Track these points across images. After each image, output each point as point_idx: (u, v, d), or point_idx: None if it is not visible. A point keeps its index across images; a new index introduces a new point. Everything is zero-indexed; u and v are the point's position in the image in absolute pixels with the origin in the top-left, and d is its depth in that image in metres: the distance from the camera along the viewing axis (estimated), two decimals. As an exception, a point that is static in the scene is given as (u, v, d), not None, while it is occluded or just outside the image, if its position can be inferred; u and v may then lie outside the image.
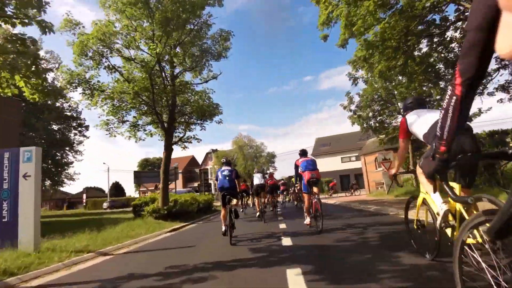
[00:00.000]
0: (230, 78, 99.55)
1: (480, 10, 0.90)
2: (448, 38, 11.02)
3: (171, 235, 7.82)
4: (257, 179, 10.67)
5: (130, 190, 59.70)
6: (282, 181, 18.42)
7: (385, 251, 3.80)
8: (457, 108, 1.06)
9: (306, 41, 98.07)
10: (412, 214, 3.36)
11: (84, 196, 46.84)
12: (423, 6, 8.86)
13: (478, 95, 11.88)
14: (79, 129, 29.44)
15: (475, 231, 1.55)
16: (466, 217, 2.07)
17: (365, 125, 16.63)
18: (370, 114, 16.40)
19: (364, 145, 28.54)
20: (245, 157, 42.65)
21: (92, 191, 57.75)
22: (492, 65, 11.76)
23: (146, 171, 36.35)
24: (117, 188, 57.26)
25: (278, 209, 12.89)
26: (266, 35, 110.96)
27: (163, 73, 11.55)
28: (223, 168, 6.28)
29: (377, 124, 16.79)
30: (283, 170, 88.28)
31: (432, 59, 11.36)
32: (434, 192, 2.51)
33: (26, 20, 4.41)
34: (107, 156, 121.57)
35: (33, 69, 4.34)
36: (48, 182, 30.12)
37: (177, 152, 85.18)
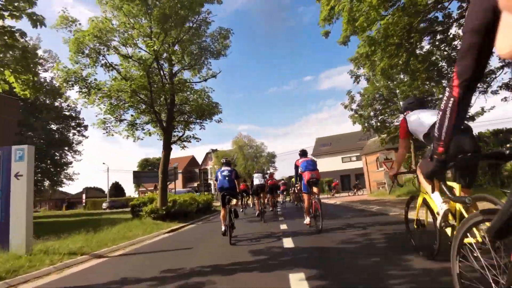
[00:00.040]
0: (230, 78, 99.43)
1: (477, 12, 0.91)
2: (451, 36, 10.84)
3: (169, 236, 7.63)
4: (257, 179, 10.60)
5: (130, 190, 59.51)
6: (283, 181, 18.32)
7: (387, 252, 3.72)
8: (454, 109, 1.07)
9: (306, 41, 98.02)
10: (412, 214, 3.34)
11: (84, 196, 46.66)
12: (426, 3, 8.69)
13: (481, 93, 11.71)
14: (78, 128, 29.26)
15: (475, 231, 1.55)
16: (466, 216, 2.04)
17: (366, 125, 16.44)
18: (372, 113, 16.20)
19: (365, 145, 28.35)
20: (245, 157, 42.46)
21: (91, 191, 57.53)
22: (496, 63, 11.58)
23: (145, 171, 36.17)
24: (117, 188, 57.04)
25: (278, 209, 12.76)
26: (266, 35, 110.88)
27: (162, 71, 11.36)
28: (223, 168, 6.26)
29: (378, 124, 16.60)
30: (283, 170, 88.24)
31: (434, 57, 11.18)
32: (432, 192, 2.62)
33: (16, 13, 4.22)
34: (107, 156, 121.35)
35: (23, 63, 4.15)
36: (47, 183, 29.96)
37: (177, 152, 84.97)
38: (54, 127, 28.34)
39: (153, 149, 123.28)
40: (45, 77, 27.37)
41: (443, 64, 11.47)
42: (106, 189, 49.58)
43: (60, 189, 34.96)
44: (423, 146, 16.41)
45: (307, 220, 6.25)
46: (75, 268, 4.39)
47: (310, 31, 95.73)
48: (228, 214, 5.53)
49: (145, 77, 9.98)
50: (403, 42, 9.13)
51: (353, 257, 3.62)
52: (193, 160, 56.74)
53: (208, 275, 3.36)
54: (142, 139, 12.25)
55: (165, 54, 10.96)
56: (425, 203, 2.90)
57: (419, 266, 2.88)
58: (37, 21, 4.41)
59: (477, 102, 13.20)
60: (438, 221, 2.41)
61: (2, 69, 4.26)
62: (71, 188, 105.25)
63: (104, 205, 40.19)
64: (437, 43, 10.91)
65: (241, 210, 13.26)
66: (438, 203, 2.45)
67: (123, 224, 9.39)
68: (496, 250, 1.32)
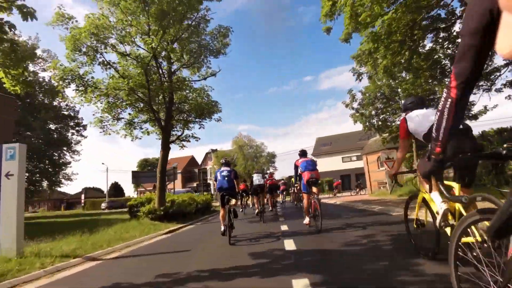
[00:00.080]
0: (230, 78, 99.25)
1: (474, 15, 0.92)
2: (455, 33, 10.64)
3: (166, 238, 7.43)
4: (257, 179, 10.50)
5: (130, 191, 59.31)
6: (283, 181, 18.19)
7: (393, 253, 3.62)
8: (452, 110, 1.08)
9: (306, 41, 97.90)
10: (412, 214, 3.34)
11: (83, 196, 46.47)
12: (429, -2, 8.50)
13: (485, 91, 11.52)
14: (77, 128, 29.04)
15: (473, 229, 1.58)
16: None
17: (367, 124, 16.23)
18: (373, 112, 15.98)
19: (366, 144, 28.15)
20: (245, 157, 42.24)
21: (91, 191, 57.31)
22: (501, 61, 11.39)
23: (144, 171, 35.92)
24: (116, 189, 56.84)
25: (278, 209, 12.62)
26: (266, 35, 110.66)
27: (160, 70, 11.17)
28: (222, 168, 6.26)
29: (379, 123, 16.39)
30: (283, 170, 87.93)
31: (437, 56, 11.00)
32: (430, 191, 2.68)
33: (5, 5, 4.03)
34: (106, 157, 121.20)
35: (11, 56, 3.96)
36: (45, 183, 29.72)
37: (177, 152, 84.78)
38: (52, 126, 28.12)
39: (152, 149, 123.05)
40: (44, 77, 27.15)
41: (447, 62, 11.27)
42: (105, 189, 49.43)
43: (59, 189, 34.73)
44: (425, 146, 16.23)
45: (306, 220, 6.24)
46: (67, 272, 4.20)
47: (310, 31, 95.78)
48: (227, 214, 5.50)
49: (143, 75, 9.79)
50: (406, 39, 8.95)
51: (355, 259, 3.51)
52: (192, 160, 56.56)
53: (206, 280, 3.17)
54: (140, 138, 12.07)
55: (163, 52, 10.77)
56: (425, 203, 2.90)
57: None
58: (27, 13, 4.23)
59: (481, 100, 12.98)
60: (437, 221, 2.42)
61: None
62: (70, 188, 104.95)
63: (103, 205, 40.00)
64: (440, 40, 10.72)
65: (241, 210, 13.19)
66: (437, 202, 2.47)
67: (120, 225, 9.20)
68: (495, 249, 1.32)
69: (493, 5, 0.83)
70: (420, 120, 2.75)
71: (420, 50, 10.22)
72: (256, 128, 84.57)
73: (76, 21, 9.44)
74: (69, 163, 29.32)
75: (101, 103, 10.26)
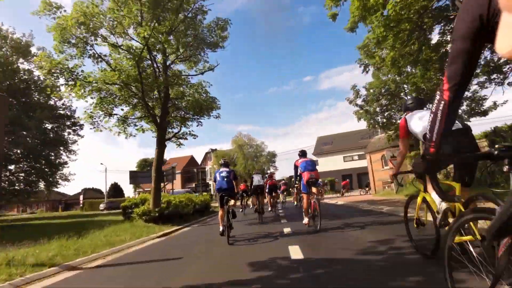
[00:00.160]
0: (230, 78, 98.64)
1: (465, 20, 0.95)
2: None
3: (159, 242, 6.86)
4: (256, 180, 10.23)
5: (130, 191, 58.74)
6: (283, 181, 17.76)
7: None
8: (445, 112, 1.10)
9: (306, 41, 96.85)
10: (411, 213, 3.38)
11: (81, 197, 45.94)
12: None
13: (498, 85, 10.93)
14: (73, 128, 28.47)
15: (471, 228, 1.62)
16: None
17: (372, 121, 15.62)
18: (378, 109, 15.37)
19: (370, 143, 27.51)
20: (245, 156, 41.65)
21: (90, 192, 56.74)
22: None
23: (142, 171, 35.29)
24: (115, 189, 56.25)
25: (279, 209, 12.19)
26: (266, 35, 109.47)
27: (155, 63, 10.59)
28: (221, 169, 6.30)
29: (384, 120, 15.79)
30: (283, 170, 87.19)
31: (444, 50, 10.42)
32: (424, 191, 2.83)
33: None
34: (107, 157, 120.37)
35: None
36: (42, 183, 29.15)
37: (176, 152, 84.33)
38: (48, 126, 27.55)
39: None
40: (39, 75, 26.59)
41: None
42: (104, 190, 48.87)
43: (58, 190, 34.16)
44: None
45: (305, 220, 6.29)
46: (37, 285, 3.63)
47: (310, 31, 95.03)
48: (226, 214, 5.53)
49: (135, 67, 9.20)
50: (416, 27, 8.39)
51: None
52: (192, 160, 55.96)
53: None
54: (134, 136, 11.52)
55: (158, 46, 10.20)
56: (425, 203, 2.91)
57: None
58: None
59: (491, 96, 12.40)
60: (437, 220, 2.46)
61: None
62: (69, 189, 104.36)
63: (102, 206, 39.51)
64: (447, 32, 10.13)
65: (241, 210, 12.90)
66: (437, 202, 2.50)
67: (112, 227, 8.61)
68: (489, 247, 1.30)
69: (483, 11, 0.88)
70: (420, 120, 2.78)
71: (430, 41, 9.66)
72: (256, 128, 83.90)
73: (65, 11, 8.88)
74: (66, 163, 28.77)
75: (92, 98, 9.68)
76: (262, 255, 4.10)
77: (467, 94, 12.27)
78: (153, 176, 10.40)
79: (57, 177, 29.20)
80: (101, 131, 10.30)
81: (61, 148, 28.14)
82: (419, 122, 2.79)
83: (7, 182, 24.00)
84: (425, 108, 3.12)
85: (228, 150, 44.84)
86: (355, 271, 3.01)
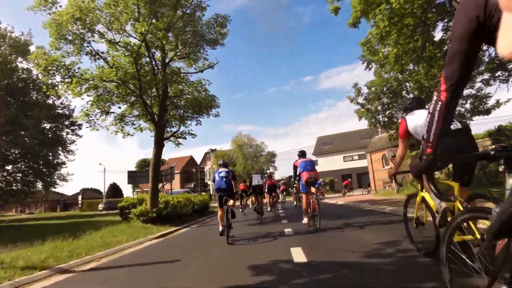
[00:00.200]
0: (230, 78, 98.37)
1: (461, 21, 0.97)
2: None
3: (156, 243, 6.65)
4: (256, 180, 10.14)
5: (129, 192, 58.49)
6: (283, 181, 17.63)
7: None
8: (442, 112, 1.11)
9: (306, 41, 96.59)
10: (412, 213, 3.39)
11: (80, 197, 45.70)
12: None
13: (503, 82, 10.74)
14: (72, 127, 28.22)
15: (473, 228, 1.65)
16: None
17: (373, 120, 15.42)
18: (379, 107, 15.18)
19: (370, 142, 27.31)
20: (244, 156, 41.45)
21: (88, 192, 56.44)
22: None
23: (141, 171, 35.08)
24: (114, 189, 56.04)
25: (279, 209, 12.04)
26: (266, 35, 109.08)
27: (153, 61, 10.38)
28: (220, 169, 6.32)
29: (386, 119, 15.60)
30: (283, 170, 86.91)
31: (446, 48, 10.26)
32: (421, 190, 2.90)
33: None
34: (106, 157, 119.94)
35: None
36: (40, 184, 28.89)
37: (176, 152, 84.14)
38: (47, 125, 27.30)
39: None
40: (37, 74, 26.35)
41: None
42: (103, 190, 48.59)
43: (57, 190, 33.91)
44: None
45: (305, 220, 6.29)
46: (25, 289, 3.43)
47: (310, 31, 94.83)
48: (225, 214, 5.55)
49: (132, 64, 8.99)
50: (420, 23, 8.20)
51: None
52: (191, 160, 55.73)
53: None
54: (132, 135, 11.30)
55: (156, 42, 10.00)
56: (424, 202, 2.91)
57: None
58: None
59: (496, 93, 12.17)
60: (437, 220, 2.48)
61: None
62: (68, 189, 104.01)
63: (100, 206, 39.31)
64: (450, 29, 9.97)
65: (240, 210, 12.77)
66: (437, 201, 2.52)
67: (109, 228, 8.41)
68: (489, 247, 1.26)
69: (480, 12, 0.90)
70: (420, 120, 2.77)
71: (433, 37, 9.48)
72: (256, 128, 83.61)
73: (60, 6, 8.68)
74: (64, 163, 28.53)
75: (88, 96, 9.48)
76: (263, 256, 3.91)
77: (471, 92, 12.09)
78: (151, 176, 10.19)
79: (55, 177, 28.93)
80: (97, 129, 10.09)
81: (59, 148, 27.89)
82: (418, 122, 2.78)
83: (4, 182, 23.75)
84: (423, 109, 3.07)
85: (228, 150, 44.63)
86: (362, 275, 2.81)
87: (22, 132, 25.17)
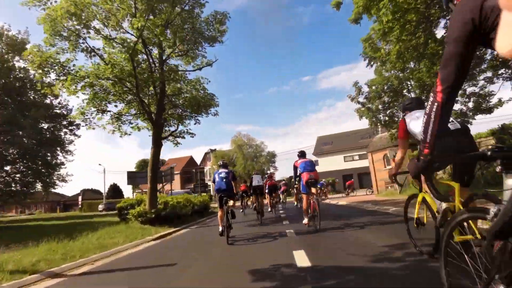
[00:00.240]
0: (230, 78, 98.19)
1: (457, 24, 0.99)
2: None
3: (154, 245, 6.47)
4: (256, 181, 10.04)
5: (129, 192, 58.29)
6: (284, 182, 17.48)
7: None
8: (438, 113, 1.12)
9: (306, 41, 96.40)
10: (411, 212, 3.36)
11: (80, 198, 45.55)
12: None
13: (506, 80, 10.56)
14: (70, 127, 28.01)
15: (474, 228, 1.64)
16: None
17: (374, 119, 15.21)
18: (380, 106, 14.97)
19: (371, 142, 27.09)
20: (244, 156, 41.27)
21: (88, 193, 56.26)
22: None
23: (140, 172, 34.85)
24: (115, 190, 55.84)
25: (279, 210, 11.87)
26: (266, 35, 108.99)
27: (150, 58, 10.19)
28: (220, 170, 6.33)
29: (386, 118, 15.39)
30: (283, 170, 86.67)
31: None
32: (420, 190, 2.95)
33: None
34: (106, 158, 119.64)
35: None
36: (39, 185, 28.69)
37: (176, 153, 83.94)
38: (45, 125, 27.09)
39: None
40: (34, 73, 26.13)
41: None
42: (103, 190, 48.42)
43: (57, 191, 33.70)
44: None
45: (305, 220, 6.29)
46: (12, 296, 3.24)
47: (310, 31, 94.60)
48: (226, 215, 5.53)
49: (129, 61, 8.80)
50: (423, 19, 8.02)
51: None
52: (191, 160, 55.55)
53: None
54: (129, 134, 11.13)
55: (154, 39, 9.80)
56: (425, 202, 2.91)
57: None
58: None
59: (499, 92, 11.96)
60: (437, 220, 2.49)
61: None
62: (68, 190, 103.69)
63: (100, 207, 39.17)
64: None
65: (241, 210, 12.68)
66: (437, 201, 2.54)
67: (106, 229, 8.23)
68: (489, 247, 1.21)
69: (475, 15, 0.92)
70: (420, 120, 2.75)
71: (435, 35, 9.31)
72: (256, 128, 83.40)
73: (55, 1, 8.47)
74: (63, 163, 28.33)
75: (84, 94, 9.29)
76: (263, 257, 3.74)
77: (474, 90, 11.90)
78: (149, 176, 10.01)
79: (54, 177, 28.74)
80: (93, 128, 9.91)
81: (58, 148, 27.70)
82: (418, 122, 2.78)
83: (3, 183, 23.55)
84: (423, 109, 3.03)
85: (228, 150, 44.45)
86: (367, 280, 2.64)
87: (20, 132, 24.96)
